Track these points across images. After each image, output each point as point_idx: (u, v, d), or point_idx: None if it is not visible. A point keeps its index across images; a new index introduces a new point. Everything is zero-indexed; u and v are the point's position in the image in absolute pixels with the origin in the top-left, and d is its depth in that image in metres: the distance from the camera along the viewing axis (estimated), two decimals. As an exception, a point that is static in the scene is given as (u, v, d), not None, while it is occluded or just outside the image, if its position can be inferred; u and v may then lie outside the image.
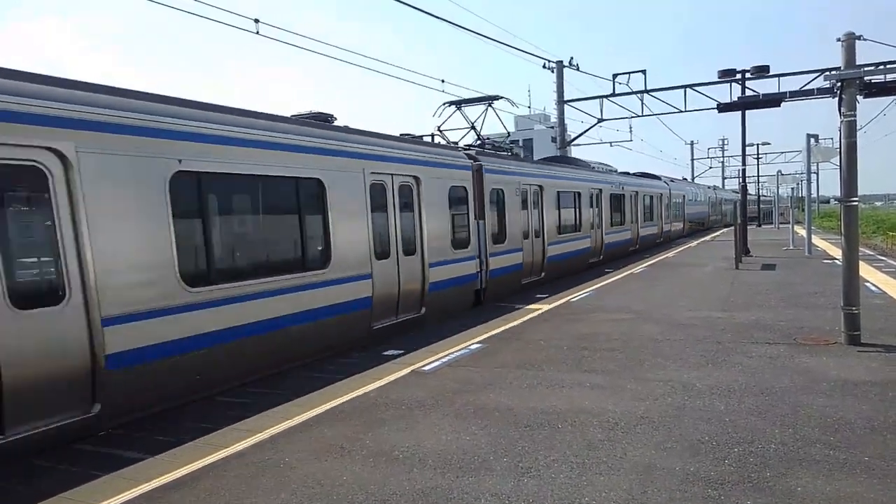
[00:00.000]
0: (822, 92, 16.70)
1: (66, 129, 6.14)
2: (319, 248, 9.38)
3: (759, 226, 46.15)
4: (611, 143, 34.40)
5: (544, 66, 27.67)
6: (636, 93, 25.70)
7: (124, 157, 6.68)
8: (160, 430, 6.37)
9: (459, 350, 8.30)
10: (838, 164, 8.75)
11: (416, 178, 11.62)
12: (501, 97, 16.94)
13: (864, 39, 8.20)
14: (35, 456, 5.70)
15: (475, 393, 6.36)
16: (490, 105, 16.69)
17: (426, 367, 7.47)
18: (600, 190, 22.32)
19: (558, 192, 18.40)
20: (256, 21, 10.80)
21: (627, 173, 29.55)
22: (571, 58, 27.77)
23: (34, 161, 5.95)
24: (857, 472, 4.17)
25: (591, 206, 21.40)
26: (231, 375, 7.87)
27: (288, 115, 10.01)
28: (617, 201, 24.62)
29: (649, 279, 15.34)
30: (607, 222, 23.08)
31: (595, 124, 28.20)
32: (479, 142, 17.12)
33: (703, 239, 32.65)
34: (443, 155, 13.05)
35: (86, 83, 6.71)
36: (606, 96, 26.22)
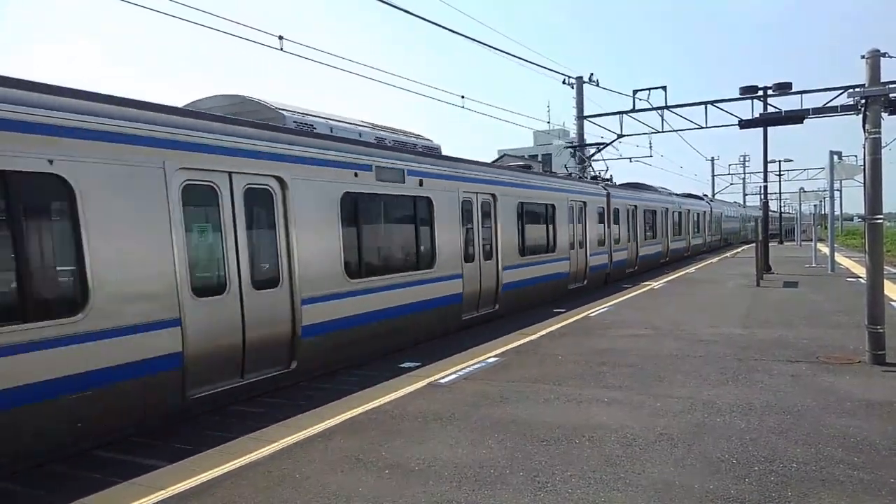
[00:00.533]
0: (845, 109, 16.52)
1: (285, 163, 8.41)
2: (429, 252, 11.55)
3: (781, 243, 45.59)
4: (630, 158, 34.21)
5: (564, 82, 27.70)
6: (656, 108, 25.59)
7: (316, 183, 8.93)
8: (178, 437, 6.42)
9: (476, 363, 8.27)
10: (862, 181, 8.64)
11: (493, 195, 13.95)
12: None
13: (890, 57, 8.11)
14: (56, 462, 5.77)
15: (492, 406, 6.33)
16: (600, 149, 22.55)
17: (443, 380, 7.45)
18: (667, 208, 29.54)
19: (644, 211, 26.14)
20: (280, 38, 10.96)
21: (678, 194, 35.29)
22: (591, 74, 27.83)
23: (267, 186, 8.18)
24: (883, 493, 4.08)
25: (664, 220, 28.71)
26: (376, 348, 10.05)
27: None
28: (678, 217, 31.84)
29: (669, 295, 15.20)
30: (672, 233, 30.37)
31: (614, 140, 28.13)
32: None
33: (724, 255, 32.32)
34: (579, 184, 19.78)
35: (289, 129, 9.01)
36: (626, 112, 26.14)
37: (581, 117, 27.91)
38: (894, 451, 4.79)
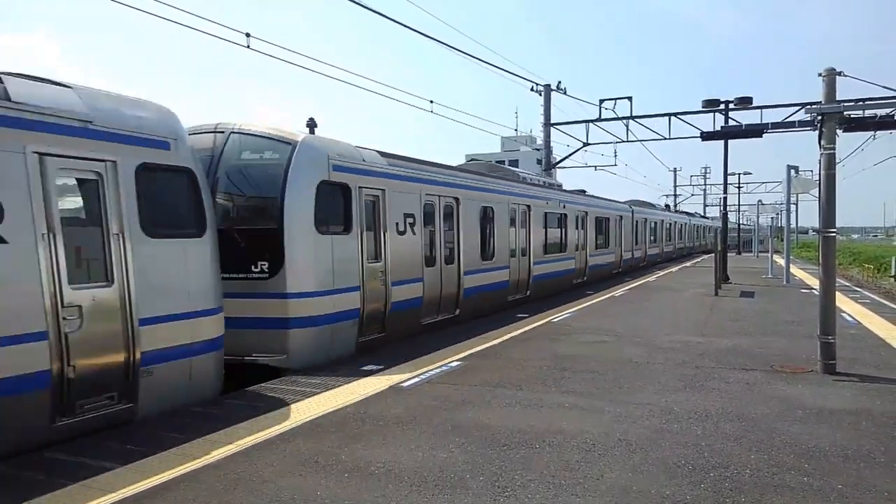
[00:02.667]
0: (802, 125, 17.01)
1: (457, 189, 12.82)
2: (491, 246, 14.32)
3: (739, 253, 46.75)
4: (595, 167, 34.68)
5: (532, 89, 27.92)
6: (622, 118, 25.98)
7: (474, 203, 13.32)
8: (131, 438, 6.24)
9: (439, 367, 8.26)
10: (818, 195, 8.91)
11: (527, 206, 16.74)
12: None
13: (845, 76, 8.37)
14: (1, 462, 5.54)
15: (453, 410, 6.32)
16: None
17: (405, 384, 7.42)
18: (675, 222, 43.09)
19: (654, 222, 35.16)
20: (248, 35, 10.79)
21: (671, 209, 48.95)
22: (559, 82, 28.07)
23: (453, 198, 12.74)
24: (831, 499, 4.20)
25: (665, 230, 38.10)
26: (479, 308, 13.56)
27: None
28: (672, 227, 42.30)
29: (630, 302, 15.43)
30: (675, 238, 42.63)
31: (580, 148, 28.46)
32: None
33: (684, 264, 32.97)
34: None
35: (432, 163, 12.94)
36: (593, 121, 26.49)
37: (548, 124, 28.16)
38: (843, 458, 4.94)
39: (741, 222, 66.51)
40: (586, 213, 22.25)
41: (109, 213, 6.09)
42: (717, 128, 22.07)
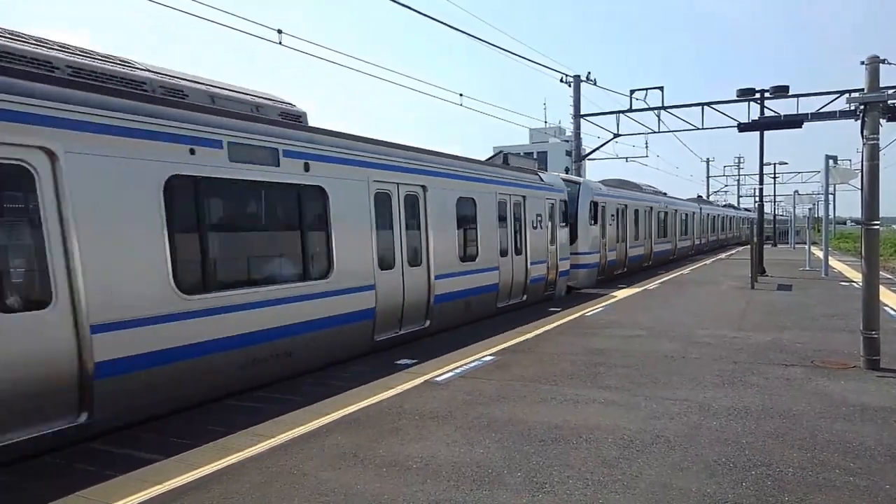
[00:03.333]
0: (844, 115, 16.55)
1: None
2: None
3: (775, 245, 45.82)
4: (626, 158, 34.29)
5: (562, 80, 27.68)
6: (653, 109, 25.64)
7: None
8: (175, 431, 6.39)
9: (472, 361, 8.28)
10: (859, 185, 8.67)
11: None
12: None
13: (889, 63, 8.13)
14: (50, 455, 5.73)
15: (488, 405, 6.33)
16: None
17: (439, 378, 7.46)
18: (706, 213, 42.33)
19: (684, 214, 34.44)
20: (279, 32, 10.89)
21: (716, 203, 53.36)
22: (589, 73, 27.77)
23: (522, 197, 14.93)
24: (879, 499, 4.11)
25: (696, 222, 37.73)
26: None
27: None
28: (704, 219, 42.25)
29: (663, 296, 15.25)
30: (706, 230, 42.36)
31: (611, 139, 28.16)
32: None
33: (718, 257, 32.45)
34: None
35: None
36: (623, 111, 26.18)
37: (578, 116, 27.90)
38: (890, 457, 4.83)
39: (777, 213, 65.24)
40: (725, 215, 34.82)
41: (545, 218, 16.25)
42: (752, 117, 21.64)
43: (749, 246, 18.16)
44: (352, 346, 9.54)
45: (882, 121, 8.05)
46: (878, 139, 7.79)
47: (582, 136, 28.76)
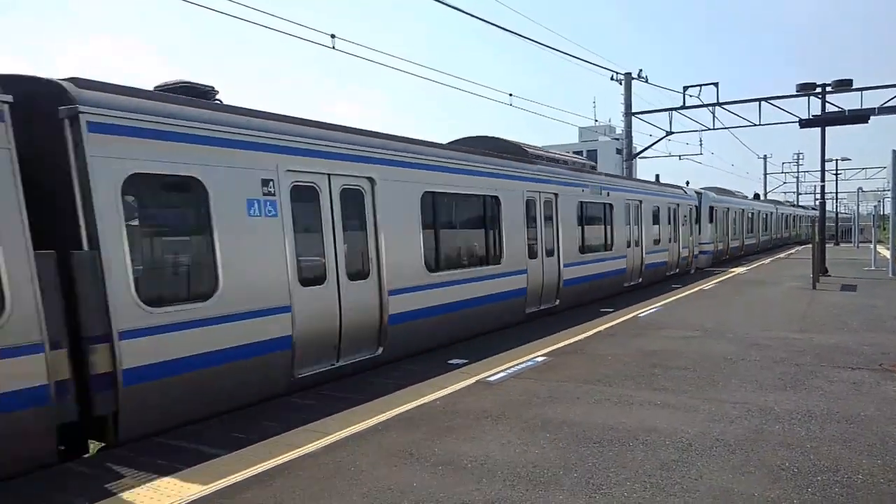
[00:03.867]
0: (913, 107, 15.84)
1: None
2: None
3: (837, 244, 44.10)
4: (680, 156, 33.59)
5: (612, 78, 27.33)
6: (707, 105, 25.05)
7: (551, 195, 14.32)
8: (236, 427, 6.59)
9: (525, 362, 8.26)
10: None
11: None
12: None
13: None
14: (120, 447, 5.99)
15: (542, 406, 6.31)
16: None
17: (491, 378, 7.46)
18: (759, 211, 40.41)
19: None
20: (333, 36, 11.10)
21: (780, 202, 54.19)
22: (640, 70, 27.33)
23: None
24: (956, 509, 3.92)
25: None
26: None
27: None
28: (793, 219, 53.97)
29: (720, 296, 14.87)
30: (759, 229, 40.68)
31: (663, 137, 27.63)
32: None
33: (777, 256, 31.44)
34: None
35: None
36: (676, 109, 25.66)
37: (629, 114, 27.47)
38: (967, 465, 4.60)
39: (839, 211, 62.80)
40: (791, 213, 40.66)
41: (689, 219, 24.71)
42: (813, 113, 20.90)
43: (810, 245, 17.59)
44: (511, 316, 12.48)
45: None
46: (951, 132, 7.43)
47: (633, 134, 28.33)
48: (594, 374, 7.53)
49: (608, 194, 17.06)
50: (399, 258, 9.46)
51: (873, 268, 21.63)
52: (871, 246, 24.74)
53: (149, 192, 6.52)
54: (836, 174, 46.97)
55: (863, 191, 30.95)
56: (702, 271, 25.18)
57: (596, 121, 37.48)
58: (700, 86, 24.88)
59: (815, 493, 4.19)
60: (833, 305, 12.90)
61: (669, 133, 27.25)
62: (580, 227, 15.38)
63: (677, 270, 22.84)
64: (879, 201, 33.36)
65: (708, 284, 17.76)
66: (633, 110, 27.43)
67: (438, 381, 7.43)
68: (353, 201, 8.81)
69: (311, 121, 8.59)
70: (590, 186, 15.95)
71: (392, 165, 9.48)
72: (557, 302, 14.22)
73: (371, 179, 9.05)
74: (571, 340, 9.72)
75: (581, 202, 15.37)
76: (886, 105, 18.50)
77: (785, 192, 72.83)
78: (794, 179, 70.50)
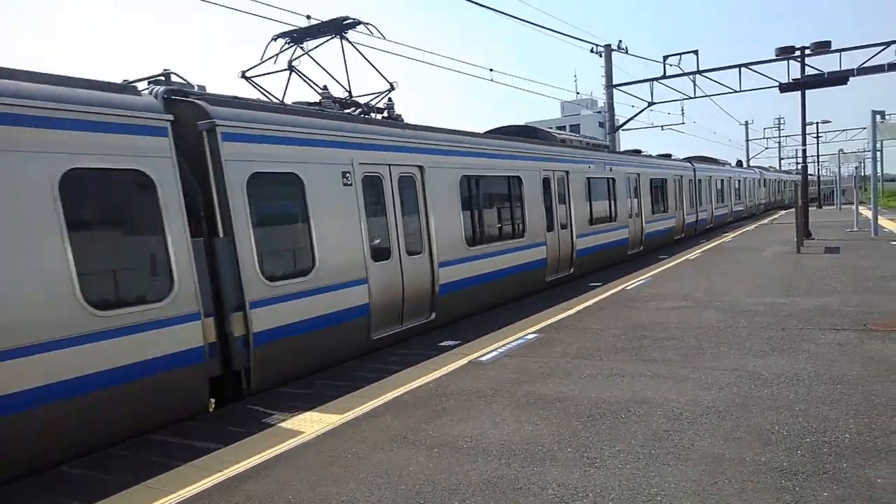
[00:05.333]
0: (892, 67, 15.89)
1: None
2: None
3: (820, 207, 44.52)
4: (662, 126, 33.65)
5: (592, 51, 27.26)
6: (688, 74, 25.08)
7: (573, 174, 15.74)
8: (231, 420, 6.61)
9: (516, 340, 8.31)
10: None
11: (566, 172, 18.18)
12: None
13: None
14: (114, 446, 6.00)
15: (534, 383, 6.37)
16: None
17: (483, 358, 7.51)
18: (782, 179, 48.08)
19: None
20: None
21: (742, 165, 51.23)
22: (620, 41, 27.27)
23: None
24: (941, 463, 4.02)
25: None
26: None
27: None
28: (778, 184, 56.52)
29: (706, 265, 15.00)
30: (775, 192, 50.76)
31: (645, 108, 27.64)
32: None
33: (761, 222, 31.69)
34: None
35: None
36: (657, 79, 25.66)
37: (610, 86, 27.44)
38: (951, 419, 4.70)
39: (821, 174, 63.30)
40: (780, 178, 42.87)
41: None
42: (793, 76, 20.95)
43: (793, 209, 17.86)
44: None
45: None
46: (928, 91, 7.48)
47: (616, 106, 28.31)
48: (585, 349, 7.60)
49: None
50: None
51: (856, 229, 21.87)
52: (854, 207, 24.99)
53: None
54: (818, 137, 47.13)
55: (844, 152, 31.17)
56: (689, 240, 26.12)
57: (577, 93, 37.44)
58: (680, 54, 24.90)
59: (804, 455, 4.27)
60: (817, 268, 13.06)
61: (651, 104, 27.26)
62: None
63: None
64: (860, 162, 33.64)
65: (694, 253, 17.90)
66: (615, 82, 27.41)
67: (430, 363, 7.46)
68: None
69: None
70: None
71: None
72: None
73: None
74: (562, 316, 9.78)
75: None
76: (864, 66, 18.58)
77: (768, 158, 73.28)
78: (777, 145, 70.87)
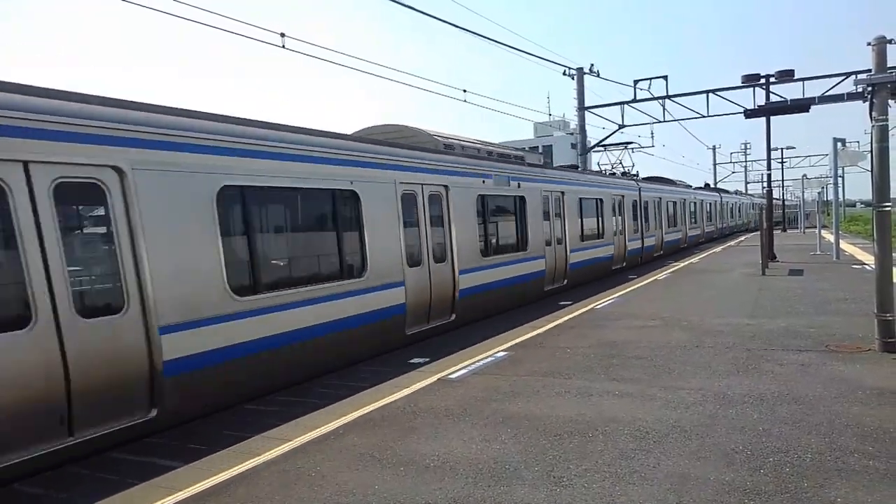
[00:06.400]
0: (851, 97, 16.43)
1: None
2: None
3: (784, 230, 45.54)
4: (632, 149, 34.14)
5: (564, 73, 27.65)
6: (658, 98, 25.54)
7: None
8: (193, 437, 6.45)
9: (485, 358, 8.29)
10: (869, 168, 8.61)
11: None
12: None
13: None
14: (73, 464, 5.80)
15: (503, 401, 6.35)
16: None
17: (453, 376, 7.47)
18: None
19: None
20: (282, 35, 10.93)
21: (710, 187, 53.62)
22: (592, 64, 27.71)
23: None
24: (898, 482, 4.09)
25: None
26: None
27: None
28: (739, 207, 56.38)
29: (674, 286, 15.20)
30: (736, 216, 53.11)
31: (616, 130, 28.07)
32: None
33: (728, 244, 32.29)
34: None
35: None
36: (627, 102, 26.09)
37: (582, 108, 27.84)
38: (908, 439, 4.80)
39: (785, 198, 64.90)
40: (751, 202, 43.94)
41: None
42: (759, 103, 21.50)
43: (759, 232, 18.21)
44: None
45: (891, 102, 7.98)
46: (887, 120, 7.72)
47: (587, 128, 28.72)
48: (554, 367, 7.61)
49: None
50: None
51: (819, 252, 22.41)
52: (817, 231, 25.62)
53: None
54: (782, 162, 48.36)
55: (807, 178, 31.98)
56: (658, 260, 26.66)
57: (550, 115, 37.88)
58: (650, 79, 25.35)
59: (767, 475, 4.32)
60: (781, 290, 13.32)
61: (622, 126, 27.68)
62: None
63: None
64: (823, 188, 34.55)
65: (662, 274, 18.15)
66: (587, 104, 27.82)
67: (399, 381, 7.40)
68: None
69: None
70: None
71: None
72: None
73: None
74: (532, 334, 9.80)
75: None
76: (826, 94, 19.17)
77: (735, 182, 74.90)
78: (743, 168, 72.52)
